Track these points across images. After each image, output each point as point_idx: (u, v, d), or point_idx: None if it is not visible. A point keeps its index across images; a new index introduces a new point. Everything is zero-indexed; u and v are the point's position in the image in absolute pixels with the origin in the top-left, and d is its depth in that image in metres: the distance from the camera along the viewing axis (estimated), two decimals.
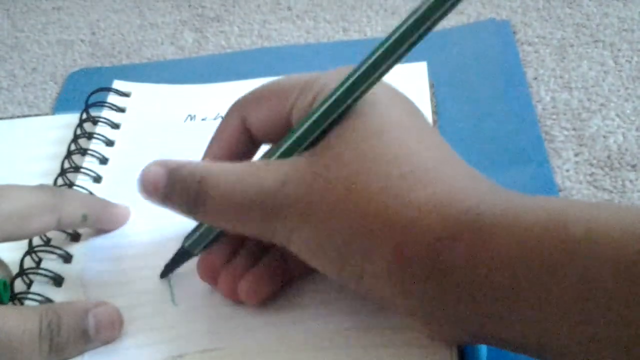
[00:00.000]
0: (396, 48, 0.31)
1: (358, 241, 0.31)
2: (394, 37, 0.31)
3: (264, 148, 0.38)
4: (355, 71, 0.32)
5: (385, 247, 0.30)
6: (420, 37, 0.31)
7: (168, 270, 0.39)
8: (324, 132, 0.33)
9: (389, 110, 0.33)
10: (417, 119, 0.34)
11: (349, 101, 0.32)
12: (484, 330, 0.29)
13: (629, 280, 0.25)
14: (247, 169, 0.34)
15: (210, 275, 0.37)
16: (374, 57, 0.32)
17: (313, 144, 0.33)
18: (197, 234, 0.37)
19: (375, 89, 0.33)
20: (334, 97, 0.33)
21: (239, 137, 0.38)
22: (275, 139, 0.36)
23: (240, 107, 0.38)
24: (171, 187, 0.35)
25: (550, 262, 0.26)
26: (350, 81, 0.32)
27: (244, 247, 0.37)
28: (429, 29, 0.31)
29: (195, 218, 0.36)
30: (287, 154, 0.34)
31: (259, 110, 0.37)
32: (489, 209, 0.29)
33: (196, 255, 0.38)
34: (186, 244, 0.38)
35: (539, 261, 0.26)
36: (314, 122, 0.33)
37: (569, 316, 0.26)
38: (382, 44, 0.32)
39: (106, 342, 0.36)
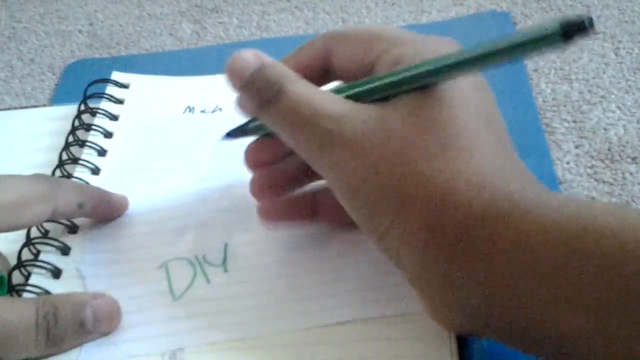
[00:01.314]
0: (513, 51, 0.29)
1: (393, 197, 0.31)
2: (517, 41, 0.29)
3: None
4: (460, 55, 0.31)
5: (419, 210, 0.31)
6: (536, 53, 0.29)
7: (237, 132, 0.40)
8: (396, 94, 0.33)
9: (465, 91, 0.33)
10: (487, 101, 0.34)
11: (437, 79, 0.32)
12: (492, 319, 0.30)
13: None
14: (321, 91, 0.35)
15: (254, 164, 0.39)
16: (486, 50, 0.30)
17: (383, 99, 0.33)
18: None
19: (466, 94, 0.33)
20: (423, 70, 0.32)
21: (317, 63, 0.38)
22: (348, 80, 0.36)
23: (329, 37, 0.38)
24: (257, 75, 0.35)
25: (572, 256, 0.27)
26: (449, 62, 0.31)
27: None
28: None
29: (262, 115, 0.36)
30: (357, 96, 0.34)
31: (346, 48, 0.37)
32: (521, 200, 0.29)
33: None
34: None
35: (561, 254, 0.27)
36: (393, 83, 0.33)
37: (584, 304, 0.27)
38: (501, 42, 0.30)
39: (104, 334, 0.36)
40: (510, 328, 0.30)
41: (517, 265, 0.28)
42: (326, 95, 0.34)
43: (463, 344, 0.34)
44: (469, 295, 0.30)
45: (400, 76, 0.33)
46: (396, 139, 0.32)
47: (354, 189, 0.32)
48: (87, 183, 0.44)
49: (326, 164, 0.33)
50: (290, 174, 0.39)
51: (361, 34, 0.37)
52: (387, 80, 0.33)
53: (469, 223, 0.30)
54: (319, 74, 0.38)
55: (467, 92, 0.33)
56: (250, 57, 0.36)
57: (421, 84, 0.32)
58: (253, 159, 0.39)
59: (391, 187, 0.31)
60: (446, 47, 0.33)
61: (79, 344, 0.35)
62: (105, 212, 0.42)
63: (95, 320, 0.35)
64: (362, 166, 0.32)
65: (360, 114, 0.33)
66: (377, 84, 0.34)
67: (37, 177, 0.39)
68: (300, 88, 0.34)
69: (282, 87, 0.34)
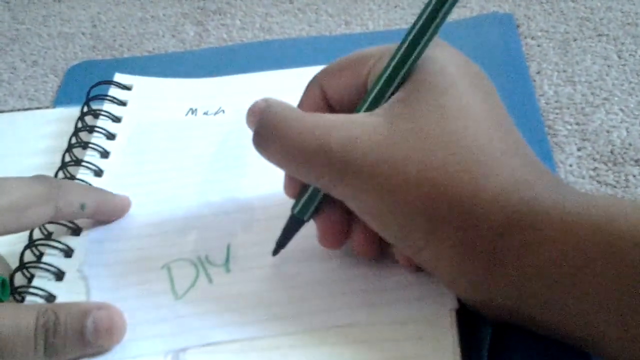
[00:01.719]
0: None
1: (423, 219, 0.32)
2: None
3: None
4: (413, 27, 0.33)
5: (450, 230, 0.31)
6: None
7: (281, 244, 0.38)
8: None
9: (469, 89, 0.34)
10: (492, 100, 0.35)
11: (412, 57, 0.33)
12: (521, 314, 0.31)
13: None
14: (318, 119, 0.34)
15: (333, 238, 0.37)
16: (429, 9, 0.33)
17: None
18: (304, 199, 0.36)
19: (453, 65, 0.34)
20: (399, 53, 0.34)
21: (319, 108, 0.38)
22: (353, 108, 0.36)
23: (320, 77, 0.38)
24: (259, 119, 0.35)
25: (595, 255, 0.28)
26: (410, 37, 0.33)
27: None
28: None
29: (262, 154, 0.35)
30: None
31: (338, 79, 0.37)
32: (544, 202, 0.30)
33: (307, 221, 0.37)
34: (295, 211, 0.37)
35: (584, 254, 0.28)
36: (384, 82, 0.34)
37: (607, 306, 0.28)
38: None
39: (105, 348, 0.35)
40: (539, 323, 0.31)
41: (545, 267, 0.29)
42: (330, 120, 0.34)
43: (466, 342, 0.34)
44: (502, 295, 0.31)
45: (388, 70, 0.34)
46: (414, 158, 0.32)
47: (380, 213, 0.33)
48: (90, 185, 0.44)
49: (344, 193, 0.33)
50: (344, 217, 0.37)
51: (347, 60, 0.37)
52: (379, 85, 0.34)
53: (498, 232, 0.30)
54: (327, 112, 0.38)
55: (468, 92, 0.33)
56: (260, 103, 0.36)
57: (408, 64, 0.33)
58: (330, 233, 0.37)
59: (419, 209, 0.32)
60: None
61: (79, 355, 0.35)
62: (108, 212, 0.42)
63: (95, 332, 0.34)
64: (385, 191, 0.32)
65: (371, 135, 0.32)
66: (372, 94, 0.34)
67: (38, 178, 0.39)
68: (290, 124, 0.34)
69: (271, 126, 0.34)
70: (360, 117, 0.34)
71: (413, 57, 0.34)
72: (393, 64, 0.34)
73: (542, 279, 0.30)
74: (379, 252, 0.37)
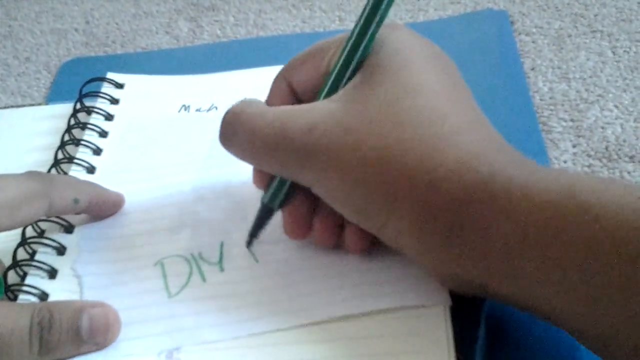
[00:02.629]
0: None
1: (383, 196, 0.32)
2: None
3: None
4: (363, 12, 0.35)
5: (409, 205, 0.32)
6: None
7: (253, 235, 0.39)
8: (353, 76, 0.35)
9: (424, 66, 0.34)
10: (450, 78, 0.35)
11: (364, 42, 0.35)
12: (487, 288, 0.31)
13: (627, 250, 0.26)
14: (279, 112, 0.35)
15: (298, 229, 0.38)
16: None
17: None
18: (272, 188, 0.37)
19: (407, 46, 0.35)
20: (351, 40, 0.35)
21: (286, 101, 0.38)
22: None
23: (284, 71, 0.39)
24: (222, 118, 0.37)
25: (557, 228, 0.28)
26: (360, 22, 0.35)
27: None
28: None
29: (228, 151, 0.37)
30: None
31: (301, 71, 0.38)
32: (506, 176, 0.30)
33: (276, 210, 0.38)
34: (265, 200, 0.38)
35: (546, 226, 0.28)
36: (340, 69, 0.35)
37: (569, 277, 0.28)
38: None
39: (100, 345, 0.35)
40: (505, 297, 0.31)
41: (504, 240, 0.29)
42: (291, 111, 0.35)
43: (460, 338, 0.34)
44: (468, 267, 0.31)
45: (344, 54, 0.35)
46: (372, 138, 0.32)
47: (342, 195, 0.34)
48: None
49: (308, 179, 0.35)
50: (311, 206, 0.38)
51: (308, 52, 0.38)
52: (335, 70, 0.35)
53: (455, 206, 0.31)
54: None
55: (426, 67, 0.34)
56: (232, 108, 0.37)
57: (363, 44, 0.35)
58: (296, 223, 0.38)
59: (376, 187, 0.32)
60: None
61: (74, 353, 0.34)
62: (101, 207, 0.42)
63: (90, 330, 0.34)
64: (343, 173, 0.33)
65: (327, 119, 0.33)
66: (330, 79, 0.35)
67: (31, 174, 0.39)
68: (250, 117, 0.35)
69: (234, 121, 0.36)
70: (319, 105, 0.35)
71: (365, 42, 0.35)
72: (346, 50, 0.35)
73: (501, 253, 0.29)
74: (337, 241, 0.38)
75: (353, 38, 0.35)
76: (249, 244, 0.39)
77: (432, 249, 0.32)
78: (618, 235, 0.27)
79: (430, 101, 0.33)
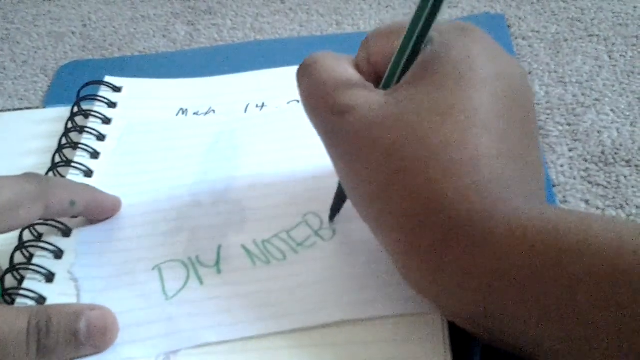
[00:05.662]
0: None
1: (380, 202, 0.32)
2: None
3: None
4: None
5: (396, 221, 0.31)
6: None
7: (335, 211, 0.40)
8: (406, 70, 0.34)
9: (477, 87, 0.32)
10: (510, 104, 0.33)
11: (412, 41, 0.33)
12: (479, 324, 0.31)
13: (610, 287, 0.26)
14: (345, 80, 0.35)
15: None
16: None
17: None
18: None
19: (476, 56, 0.33)
20: (404, 37, 0.33)
21: (365, 69, 0.37)
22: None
23: (366, 42, 0.38)
24: (311, 54, 0.36)
25: (539, 268, 0.28)
26: (410, 21, 0.33)
27: None
28: None
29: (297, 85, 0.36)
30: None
31: (380, 45, 0.37)
32: (490, 215, 0.29)
33: None
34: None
35: (528, 267, 0.28)
36: (393, 63, 0.34)
37: (549, 316, 0.27)
38: None
39: (98, 348, 0.35)
40: (488, 333, 0.31)
41: (488, 275, 0.29)
42: (348, 80, 0.34)
43: (458, 346, 0.34)
44: (460, 299, 0.30)
45: (395, 54, 0.34)
46: (383, 141, 0.32)
47: (361, 182, 0.33)
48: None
49: (334, 155, 0.34)
50: None
51: (386, 28, 0.37)
52: (394, 59, 0.34)
53: (441, 234, 0.30)
54: (374, 80, 0.37)
55: (462, 89, 0.32)
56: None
57: (414, 38, 0.33)
58: None
59: (376, 188, 0.32)
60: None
61: (72, 357, 0.34)
62: (98, 210, 0.42)
63: (89, 333, 0.34)
64: (365, 166, 0.32)
65: (365, 110, 0.33)
66: (389, 68, 0.34)
67: (28, 176, 0.39)
68: (335, 69, 0.35)
69: (316, 58, 0.35)
70: (374, 92, 0.34)
71: (413, 41, 0.33)
72: (400, 45, 0.34)
73: (487, 290, 0.29)
74: None
75: (405, 36, 0.33)
76: (332, 218, 0.40)
77: (415, 272, 0.32)
78: (598, 274, 0.26)
79: (455, 123, 0.31)
